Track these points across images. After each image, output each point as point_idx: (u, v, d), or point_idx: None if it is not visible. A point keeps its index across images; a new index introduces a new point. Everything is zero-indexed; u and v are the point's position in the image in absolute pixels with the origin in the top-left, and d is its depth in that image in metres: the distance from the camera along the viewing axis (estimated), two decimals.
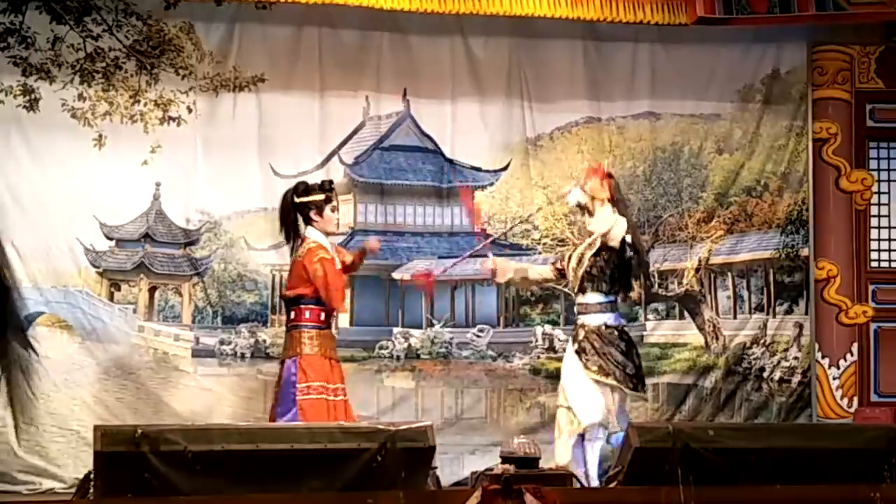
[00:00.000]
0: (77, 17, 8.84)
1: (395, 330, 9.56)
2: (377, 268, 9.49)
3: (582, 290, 7.82)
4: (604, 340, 7.70)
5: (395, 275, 9.54)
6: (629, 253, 7.69)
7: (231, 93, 9.17)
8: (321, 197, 7.87)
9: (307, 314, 7.75)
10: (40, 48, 8.80)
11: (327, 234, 7.89)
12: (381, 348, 9.52)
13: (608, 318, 7.76)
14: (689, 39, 9.64)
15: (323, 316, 7.80)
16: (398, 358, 9.52)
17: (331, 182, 7.99)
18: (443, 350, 9.59)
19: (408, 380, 9.57)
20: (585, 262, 7.79)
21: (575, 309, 8.00)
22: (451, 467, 9.12)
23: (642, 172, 9.82)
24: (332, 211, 7.88)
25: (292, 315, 7.79)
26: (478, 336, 9.64)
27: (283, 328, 9.16)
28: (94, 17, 8.86)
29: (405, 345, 9.54)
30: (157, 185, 9.05)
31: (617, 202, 7.78)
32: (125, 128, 8.95)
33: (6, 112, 8.77)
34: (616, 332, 7.76)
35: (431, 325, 9.59)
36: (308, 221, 7.87)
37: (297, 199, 7.87)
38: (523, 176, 9.70)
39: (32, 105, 8.83)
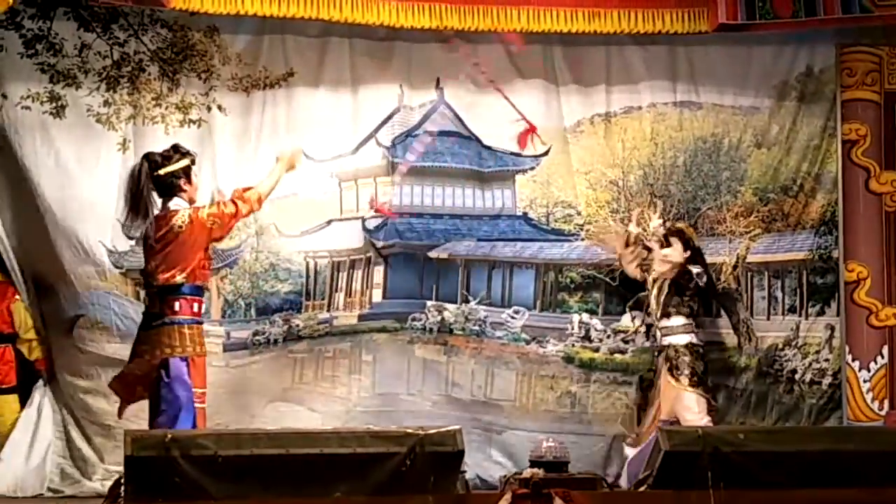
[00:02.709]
0: (104, 24, 8.85)
1: (429, 303, 9.46)
2: (413, 248, 9.44)
3: (666, 315, 8.52)
4: (694, 356, 8.40)
5: (432, 254, 9.49)
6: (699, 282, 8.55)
7: (261, 90, 9.16)
8: (187, 161, 7.25)
9: (195, 306, 7.15)
10: (67, 54, 8.82)
11: (193, 201, 7.28)
12: (413, 320, 9.43)
13: (692, 338, 8.47)
14: (724, 39, 9.55)
15: (196, 307, 7.17)
16: (431, 330, 9.47)
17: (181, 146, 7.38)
18: (476, 328, 9.49)
19: (439, 353, 9.47)
20: (665, 290, 8.61)
21: (658, 333, 8.63)
22: (479, 446, 9.15)
23: (682, 163, 9.78)
24: (195, 177, 7.30)
25: (177, 306, 7.08)
26: (512, 317, 9.58)
27: (310, 313, 9.10)
28: (121, 23, 8.88)
29: (438, 318, 9.43)
30: None
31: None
32: (147, 129, 8.93)
33: (33, 118, 8.80)
34: (700, 350, 8.52)
35: (467, 300, 9.55)
36: (173, 194, 7.19)
37: (160, 172, 7.16)
38: (563, 162, 9.66)
39: (59, 111, 8.84)
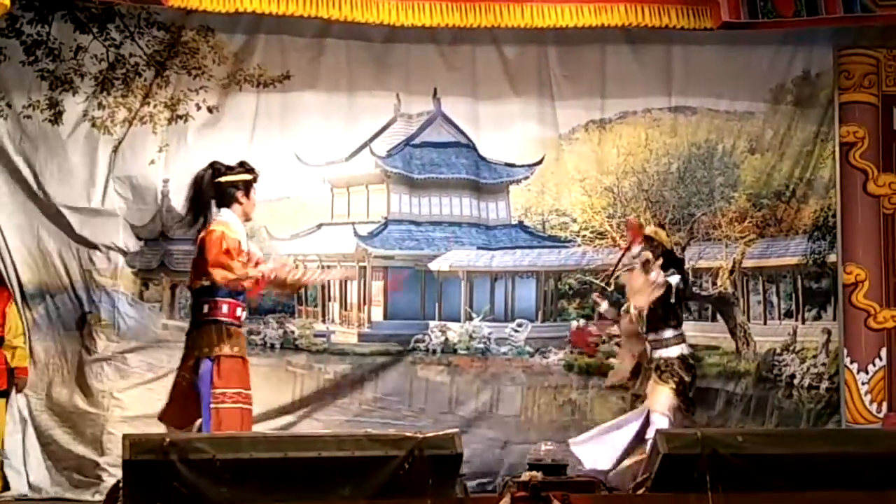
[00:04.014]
0: (100, 24, 8.87)
1: (432, 324, 9.50)
2: (413, 258, 9.47)
3: (654, 330, 8.25)
4: (683, 369, 8.20)
5: (433, 266, 9.50)
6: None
7: (255, 88, 9.17)
8: (248, 177, 7.27)
9: (224, 308, 7.11)
10: (64, 58, 8.85)
11: (248, 218, 7.32)
12: (416, 342, 9.47)
13: (683, 349, 8.26)
14: (721, 41, 9.60)
15: (239, 311, 7.19)
16: (434, 352, 9.47)
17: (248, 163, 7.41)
18: (481, 346, 9.52)
19: (442, 374, 9.50)
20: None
21: (648, 346, 8.33)
22: (483, 459, 9.17)
23: (676, 169, 9.81)
24: (254, 193, 7.33)
25: (205, 308, 7.09)
26: (516, 331, 9.59)
27: (304, 320, 9.11)
28: (116, 24, 8.90)
29: (442, 339, 9.47)
30: (165, 181, 9.06)
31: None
32: (137, 129, 8.99)
33: (34, 127, 8.84)
34: (691, 361, 8.32)
35: (470, 318, 9.54)
36: (229, 203, 7.21)
37: (221, 179, 7.20)
38: (558, 170, 9.68)
39: (57, 118, 8.88)
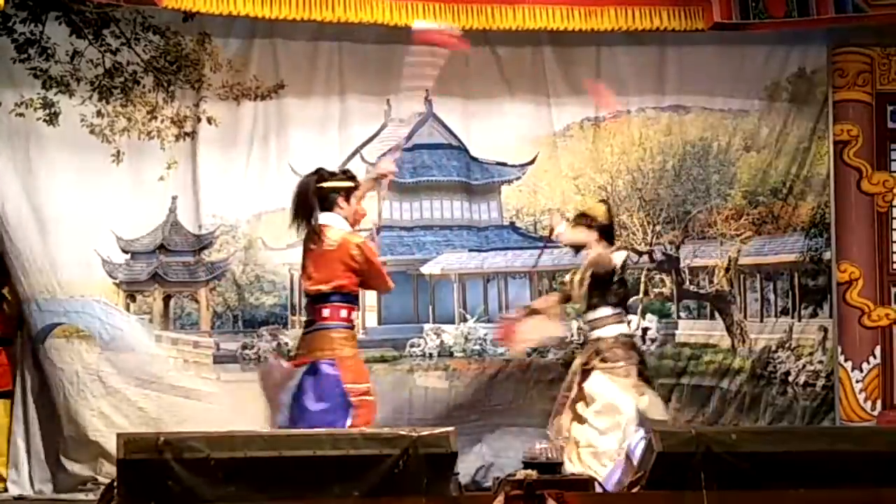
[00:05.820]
0: (96, 29, 8.88)
1: (427, 326, 9.52)
2: (404, 263, 9.48)
3: (592, 307, 7.88)
4: (625, 348, 7.78)
5: (424, 269, 9.50)
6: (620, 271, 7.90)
7: (252, 101, 9.20)
8: (350, 183, 7.38)
9: (342, 312, 7.24)
10: (60, 61, 8.86)
11: (353, 223, 7.36)
12: (412, 346, 9.47)
13: (622, 328, 7.86)
14: (715, 40, 9.62)
15: (345, 313, 7.28)
16: (430, 356, 9.47)
17: (352, 172, 7.52)
18: (477, 347, 9.54)
19: (440, 380, 9.51)
20: (587, 282, 7.87)
21: (585, 327, 8.04)
22: (472, 447, 9.24)
23: (671, 167, 9.83)
24: (356, 201, 7.39)
25: (325, 312, 7.20)
26: None
27: (297, 330, 9.16)
28: (112, 29, 8.91)
29: (437, 342, 9.48)
30: (174, 198, 9.09)
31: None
32: (143, 144, 9.02)
33: (26, 125, 8.84)
34: (632, 340, 7.93)
35: (465, 319, 9.54)
36: (331, 208, 7.30)
37: (323, 185, 7.32)
38: (552, 168, 9.70)
39: (52, 119, 8.89)
